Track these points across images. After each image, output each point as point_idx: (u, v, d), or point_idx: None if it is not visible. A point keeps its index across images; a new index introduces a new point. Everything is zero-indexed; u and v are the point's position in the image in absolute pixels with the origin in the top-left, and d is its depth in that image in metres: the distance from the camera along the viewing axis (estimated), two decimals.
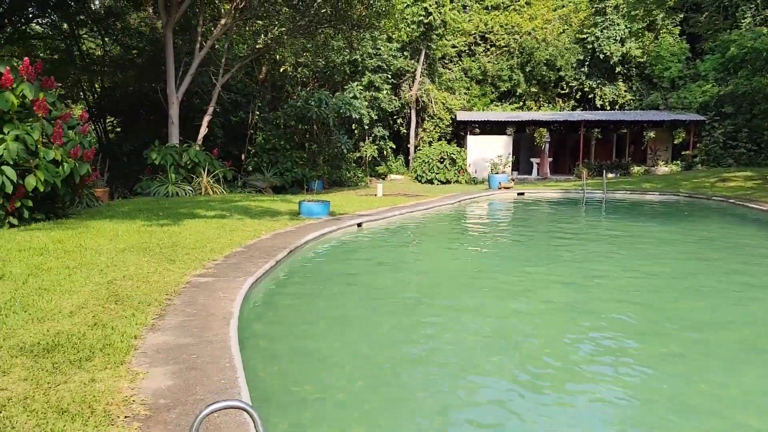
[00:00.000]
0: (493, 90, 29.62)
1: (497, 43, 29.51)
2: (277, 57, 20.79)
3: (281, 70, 22.94)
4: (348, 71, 24.54)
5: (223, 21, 18.63)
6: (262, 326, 5.09)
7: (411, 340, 4.94)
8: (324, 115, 20.10)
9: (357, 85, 23.78)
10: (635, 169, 24.54)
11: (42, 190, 8.38)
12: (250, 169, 20.60)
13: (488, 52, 29.91)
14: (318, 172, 20.99)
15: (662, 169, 24.33)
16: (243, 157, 22.35)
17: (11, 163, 8.09)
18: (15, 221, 8.34)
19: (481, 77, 29.53)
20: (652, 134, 24.69)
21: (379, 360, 4.43)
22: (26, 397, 2.85)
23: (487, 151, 25.20)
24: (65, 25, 22.88)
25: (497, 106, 29.40)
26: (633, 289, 6.67)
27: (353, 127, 25.04)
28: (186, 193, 15.24)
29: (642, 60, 27.61)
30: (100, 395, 2.92)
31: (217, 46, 19.96)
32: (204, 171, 16.29)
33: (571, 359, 4.43)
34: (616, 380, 4.01)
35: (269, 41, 19.31)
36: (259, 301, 5.76)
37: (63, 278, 5.21)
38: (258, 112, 22.70)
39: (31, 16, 21.04)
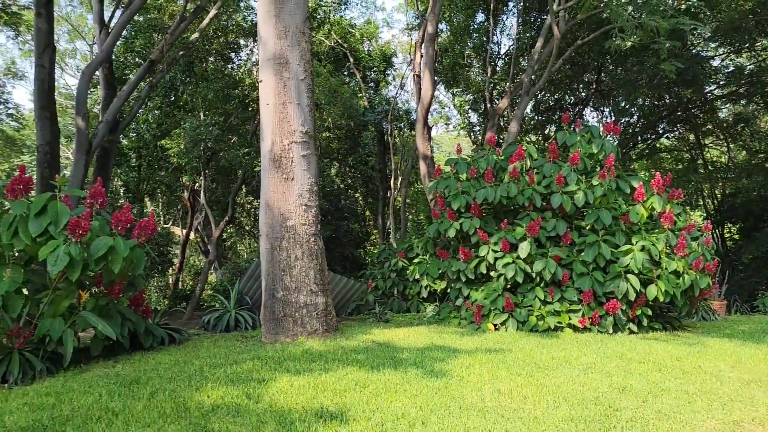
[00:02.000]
0: None
1: None
2: None
3: None
4: None
5: None
6: None
7: None
8: None
9: None
10: None
11: (662, 300, 8.43)
12: None
13: None
14: None
15: None
16: None
17: (635, 271, 8.52)
18: (634, 328, 8.64)
19: None
20: None
21: None
22: None
23: None
24: (691, 136, 23.54)
25: None
26: None
27: None
28: None
29: None
30: None
31: None
32: None
33: None
34: None
35: None
36: None
37: (682, 405, 4.85)
38: None
39: (661, 131, 22.67)
